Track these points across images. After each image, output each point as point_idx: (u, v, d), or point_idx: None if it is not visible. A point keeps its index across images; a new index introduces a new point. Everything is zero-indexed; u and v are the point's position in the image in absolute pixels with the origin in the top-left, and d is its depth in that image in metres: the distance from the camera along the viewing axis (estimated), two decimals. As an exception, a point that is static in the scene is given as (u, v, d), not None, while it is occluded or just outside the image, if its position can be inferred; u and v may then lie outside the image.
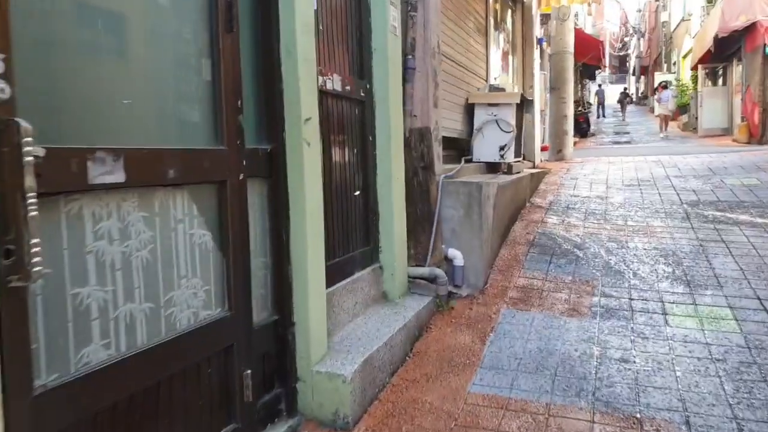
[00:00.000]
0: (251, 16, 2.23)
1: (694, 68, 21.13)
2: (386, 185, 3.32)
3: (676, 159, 9.69)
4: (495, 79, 7.83)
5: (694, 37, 21.76)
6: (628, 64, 59.84)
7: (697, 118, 20.35)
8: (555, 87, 10.73)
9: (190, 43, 1.91)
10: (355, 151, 3.14)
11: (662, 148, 14.72)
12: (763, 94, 15.16)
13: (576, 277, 4.24)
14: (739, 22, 15.47)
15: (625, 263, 4.58)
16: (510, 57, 9.00)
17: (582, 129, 21.55)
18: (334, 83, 2.83)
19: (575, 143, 18.11)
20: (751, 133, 15.64)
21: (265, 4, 2.26)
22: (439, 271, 3.68)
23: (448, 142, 5.66)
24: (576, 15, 25.76)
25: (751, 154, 9.84)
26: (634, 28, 52.43)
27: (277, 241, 2.30)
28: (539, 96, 9.70)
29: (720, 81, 20.40)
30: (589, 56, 18.12)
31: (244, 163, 2.05)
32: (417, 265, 3.72)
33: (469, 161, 5.93)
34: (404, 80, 4.13)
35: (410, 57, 4.15)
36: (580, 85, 34.71)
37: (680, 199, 6.62)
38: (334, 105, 2.87)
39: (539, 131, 9.65)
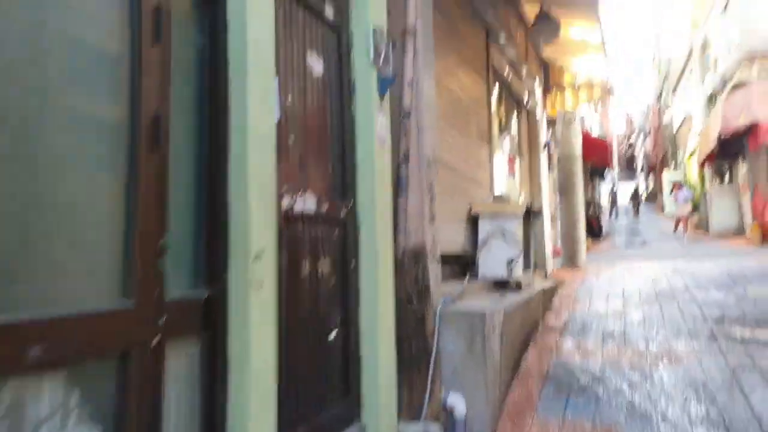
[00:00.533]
0: (193, 129, 1.84)
1: (701, 166, 21.01)
2: (371, 320, 2.82)
3: (693, 266, 9.16)
4: (501, 186, 7.49)
5: (698, 137, 21.81)
6: (635, 163, 60.61)
7: (707, 217, 19.98)
8: (564, 191, 10.41)
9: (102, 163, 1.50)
10: (333, 281, 2.66)
11: (677, 251, 14.21)
12: (774, 193, 14.80)
13: (597, 422, 3.61)
14: (741, 123, 15.41)
15: (651, 401, 3.95)
16: (516, 162, 8.72)
17: (595, 231, 21.16)
18: (306, 203, 2.41)
19: (588, 247, 17.66)
20: (764, 234, 15.15)
21: (213, 115, 1.88)
22: (435, 430, 3.07)
23: (451, 259, 5.21)
24: (582, 118, 26.14)
25: (772, 260, 9.31)
26: (639, 128, 53.48)
27: (210, 424, 1.77)
28: (548, 201, 9.35)
29: (727, 179, 20.20)
30: (597, 158, 18.07)
31: (164, 320, 1.57)
32: (411, 419, 3.12)
33: (475, 277, 5.45)
34: (396, 194, 3.73)
35: (403, 168, 3.77)
36: (590, 186, 34.82)
37: (703, 315, 6.03)
38: (305, 229, 2.42)
39: (550, 238, 9.22)
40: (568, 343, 5.31)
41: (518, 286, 5.42)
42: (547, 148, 9.29)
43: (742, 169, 18.17)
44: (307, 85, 2.52)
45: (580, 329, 5.79)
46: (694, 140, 23.21)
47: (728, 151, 18.13)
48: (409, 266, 3.56)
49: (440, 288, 3.92)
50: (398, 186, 3.72)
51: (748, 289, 6.96)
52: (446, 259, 5.05)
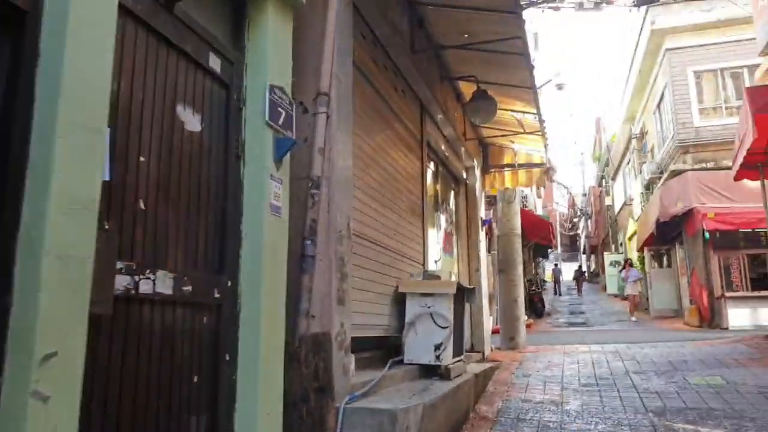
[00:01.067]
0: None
1: (640, 250, 21.41)
2: (249, 428, 2.31)
3: (634, 350, 8.91)
4: (436, 262, 7.16)
5: (637, 221, 22.33)
6: (578, 243, 62.03)
7: (648, 299, 20.18)
8: (503, 269, 10.18)
9: None
10: (196, 380, 2.17)
11: (618, 333, 14.07)
12: (708, 277, 15.03)
13: None
14: (678, 209, 15.79)
15: None
16: (454, 238, 8.46)
17: (537, 309, 21.06)
18: (158, 283, 1.96)
19: (530, 326, 17.40)
20: (702, 317, 15.28)
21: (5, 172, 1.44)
22: None
23: (372, 343, 4.75)
24: (525, 197, 26.60)
25: (707, 343, 9.16)
26: (581, 210, 55.06)
27: None
28: (486, 279, 9.07)
29: (665, 262, 20.58)
30: (539, 236, 18.15)
31: None
32: None
33: (400, 363, 4.98)
34: (301, 270, 3.32)
35: (309, 242, 3.36)
36: (533, 264, 35.17)
37: (644, 406, 5.68)
38: (155, 316, 1.96)
39: (488, 318, 8.87)
40: (499, 440, 4.84)
41: (447, 374, 4.98)
42: (486, 225, 9.08)
43: (680, 253, 18.54)
44: (175, 143, 2.12)
45: (513, 421, 5.33)
46: (633, 224, 23.79)
47: (666, 235, 18.54)
48: (308, 357, 3.09)
49: (350, 381, 3.45)
50: (302, 263, 3.31)
51: (690, 378, 6.69)
52: (367, 345, 4.60)
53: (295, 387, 2.90)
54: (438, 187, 7.50)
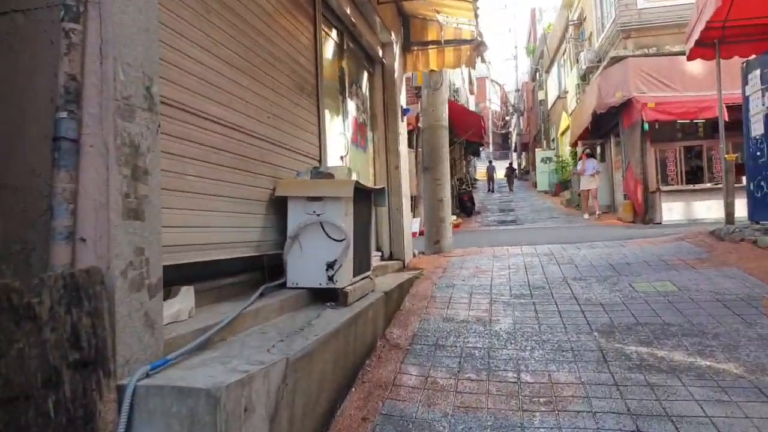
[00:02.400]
0: None
1: (573, 145, 20.75)
2: None
3: (570, 251, 8.07)
4: (342, 158, 5.83)
5: (571, 114, 21.54)
6: (510, 141, 61.92)
7: (579, 194, 19.73)
8: (428, 167, 8.98)
9: None
10: None
11: (551, 231, 13.41)
12: (643, 171, 14.44)
13: None
14: (616, 99, 14.93)
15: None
16: (368, 130, 7.10)
17: (467, 208, 20.38)
18: None
19: (458, 225, 16.63)
20: (636, 212, 14.84)
21: None
22: None
23: (239, 265, 3.46)
24: (456, 91, 25.25)
25: (649, 242, 8.43)
26: (513, 106, 54.40)
27: None
28: (408, 178, 7.84)
29: (599, 157, 20.03)
30: (470, 132, 17.03)
31: None
32: None
33: (283, 287, 3.74)
34: (55, 163, 1.92)
35: (64, 116, 1.96)
36: (464, 162, 34.50)
37: (588, 324, 4.75)
38: None
39: (409, 221, 7.73)
40: (411, 376, 3.76)
41: (344, 300, 3.78)
42: (407, 115, 7.75)
43: (614, 147, 17.92)
44: None
45: (432, 349, 4.28)
46: (567, 119, 23.01)
47: (602, 128, 17.79)
48: (56, 312, 1.75)
49: (159, 337, 2.17)
50: (55, 151, 1.91)
51: (636, 284, 5.82)
52: (228, 268, 3.31)
53: (29, 365, 1.59)
54: (344, 64, 6.03)
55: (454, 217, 16.96)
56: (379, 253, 7.22)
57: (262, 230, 3.65)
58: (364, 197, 4.43)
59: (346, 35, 6.06)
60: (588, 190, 17.04)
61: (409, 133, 13.85)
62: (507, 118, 64.37)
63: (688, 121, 14.56)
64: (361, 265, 4.30)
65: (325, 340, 2.96)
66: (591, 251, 7.94)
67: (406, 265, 7.38)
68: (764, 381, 3.52)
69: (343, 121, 5.95)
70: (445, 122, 9.08)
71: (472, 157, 41.25)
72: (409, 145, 11.94)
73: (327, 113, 5.15)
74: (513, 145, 56.94)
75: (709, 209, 13.66)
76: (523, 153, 48.70)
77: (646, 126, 13.78)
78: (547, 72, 30.59)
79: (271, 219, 3.77)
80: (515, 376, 3.78)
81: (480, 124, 16.08)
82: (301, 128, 4.41)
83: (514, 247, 8.97)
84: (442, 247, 8.84)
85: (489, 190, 35.06)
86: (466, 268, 7.32)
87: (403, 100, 7.87)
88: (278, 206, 3.82)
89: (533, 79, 39.92)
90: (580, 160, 17.67)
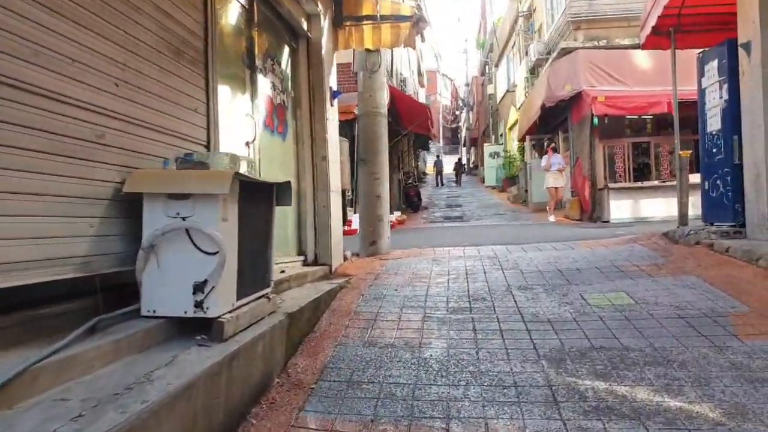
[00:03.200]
0: None
1: (521, 140, 20.28)
2: None
3: (516, 254, 7.34)
4: (248, 144, 4.88)
5: (519, 109, 21.08)
6: (459, 135, 61.71)
7: (527, 190, 19.27)
8: (364, 158, 8.10)
9: None
10: None
11: (496, 230, 12.76)
12: (592, 167, 13.96)
13: None
14: (565, 92, 14.41)
15: None
16: (288, 114, 6.17)
17: (413, 203, 19.64)
18: None
19: (402, 221, 15.84)
20: (583, 209, 14.37)
21: None
22: None
23: (71, 284, 2.49)
24: (404, 81, 24.44)
25: (600, 244, 7.80)
26: (462, 101, 54.12)
27: None
28: (337, 170, 6.95)
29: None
30: (416, 123, 16.23)
31: None
32: None
33: (138, 316, 2.78)
34: None
35: None
36: (414, 156, 33.84)
37: (535, 348, 3.98)
38: None
39: (338, 221, 6.84)
40: (307, 430, 2.88)
41: (219, 331, 2.86)
42: (333, 98, 6.84)
43: (562, 143, 17.48)
44: None
45: (342, 387, 3.41)
46: (515, 113, 22.55)
47: (550, 123, 17.30)
48: None
49: None
50: None
51: (588, 296, 5.10)
52: (57, 291, 2.34)
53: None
54: (255, 33, 5.07)
55: (399, 213, 16.18)
56: (301, 258, 6.31)
57: (100, 240, 2.68)
58: (261, 194, 3.50)
59: (262, 2, 5.11)
60: (555, 188, 15.04)
61: (351, 122, 12.95)
62: (457, 112, 64.20)
63: (636, 116, 14.16)
64: (255, 282, 3.38)
65: (167, 402, 2.04)
66: (538, 254, 7.23)
67: (333, 271, 6.49)
68: (747, 429, 2.80)
69: (252, 100, 5.00)
70: (384, 109, 8.21)
71: (421, 151, 40.70)
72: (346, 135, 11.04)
73: (223, 88, 4.19)
74: (462, 139, 56.72)
75: (657, 208, 13.27)
76: (472, 148, 48.45)
77: (596, 120, 13.27)
78: (497, 66, 30.13)
79: (118, 225, 2.81)
80: (444, 426, 2.95)
81: (427, 116, 15.27)
82: (178, 104, 3.44)
83: (456, 249, 8.20)
84: (378, 248, 7.99)
85: (437, 185, 34.70)
86: (401, 273, 6.49)
87: (333, 81, 6.95)
88: (132, 207, 2.85)
89: (483, 73, 39.54)
90: (545, 154, 15.62)
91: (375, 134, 8.08)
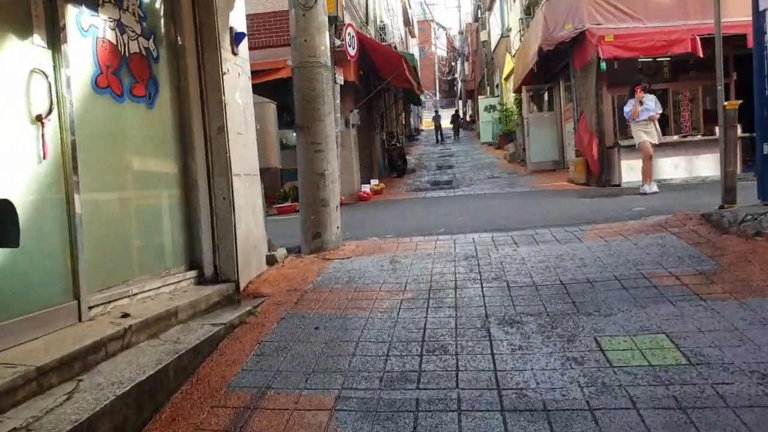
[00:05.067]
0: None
1: (518, 90, 18.10)
2: None
3: (505, 250, 5.42)
4: (42, 120, 2.89)
5: (515, 56, 18.81)
6: (456, 88, 58.99)
7: (524, 149, 17.22)
8: (302, 124, 6.09)
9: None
10: None
11: (487, 200, 10.79)
12: (599, 122, 11.87)
13: None
14: (566, 32, 12.25)
15: None
16: (156, 68, 4.15)
17: (397, 167, 17.64)
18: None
19: (380, 190, 13.86)
20: (590, 171, 12.36)
21: None
22: None
23: None
24: (383, 29, 22.05)
25: (616, 231, 5.87)
26: (456, 50, 51.30)
27: None
28: (250, 145, 4.97)
29: (546, 105, 17.46)
30: (393, 75, 14.05)
31: None
32: None
33: None
34: None
35: None
36: (403, 113, 31.60)
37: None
38: None
39: (251, 214, 4.89)
40: None
41: None
42: (235, 43, 4.81)
43: (564, 93, 15.35)
44: None
45: None
46: (511, 61, 20.28)
47: (549, 70, 15.13)
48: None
49: None
50: None
51: (606, 339, 3.21)
52: None
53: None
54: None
55: (376, 182, 14.21)
56: (194, 274, 4.40)
57: None
58: None
59: None
60: (645, 145, 9.78)
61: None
62: (453, 63, 61.36)
63: (651, 59, 12.01)
64: None
65: None
66: (533, 250, 5.30)
67: (242, 289, 4.58)
68: None
69: (52, 47, 3.01)
70: (325, 59, 6.17)
71: (413, 107, 38.39)
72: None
73: None
74: (458, 92, 54.14)
75: (675, 167, 11.29)
76: (469, 101, 45.98)
77: (603, 65, 11.15)
78: (490, 9, 27.53)
79: None
80: None
81: (402, 66, 13.08)
82: None
83: (428, 239, 6.27)
84: (324, 242, 6.07)
85: (438, 141, 33.01)
86: (338, 290, 4.60)
87: (238, 20, 4.90)
88: None
89: (476, 18, 36.81)
90: (630, 98, 9.96)
91: (314, 92, 6.05)
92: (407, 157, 21.87)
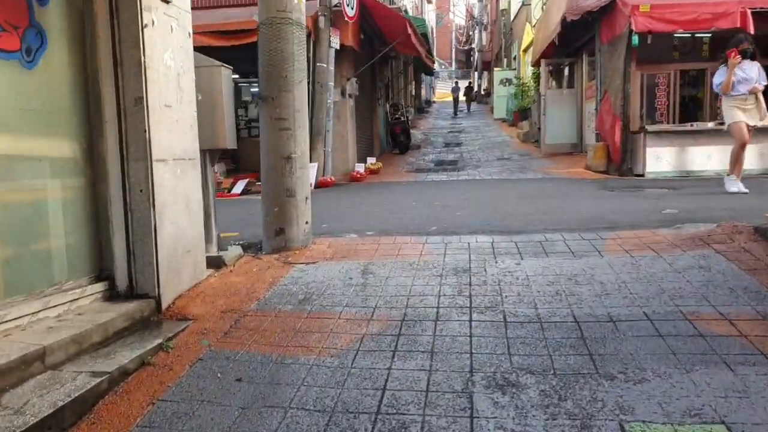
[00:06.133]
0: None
1: (536, 64, 16.79)
2: None
3: (505, 264, 4.38)
4: None
5: (535, 26, 17.44)
6: (472, 58, 57.16)
7: (539, 128, 16.00)
8: (266, 95, 4.99)
9: None
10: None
11: (493, 187, 9.69)
12: (624, 103, 10.65)
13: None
14: (593, 1, 10.98)
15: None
16: (47, 18, 3.07)
17: (400, 143, 16.50)
18: None
19: (377, 169, 12.74)
20: (611, 157, 11.19)
21: None
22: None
23: None
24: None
25: (645, 243, 4.80)
26: (474, 18, 49.42)
27: None
28: (180, 122, 3.90)
29: (566, 81, 16.17)
30: (398, 41, 12.81)
31: None
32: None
33: None
34: None
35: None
36: (413, 83, 30.19)
37: None
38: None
39: (182, 213, 3.85)
40: None
41: None
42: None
43: (586, 69, 14.07)
44: None
45: None
46: (531, 32, 18.89)
47: (572, 42, 13.81)
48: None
49: None
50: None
51: (639, 429, 2.17)
52: None
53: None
54: None
55: (373, 160, 13.11)
56: (103, 285, 3.40)
57: None
58: None
59: None
60: (740, 126, 7.48)
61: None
62: (471, 33, 59.38)
63: (689, 34, 10.72)
64: None
65: None
66: (541, 265, 4.24)
67: (164, 308, 3.56)
68: None
69: None
70: (298, 15, 5.05)
71: (425, 77, 36.91)
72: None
73: None
74: (474, 63, 52.39)
75: (709, 158, 10.10)
76: (485, 72, 44.33)
77: (636, 39, 9.89)
78: (511, -25, 25.96)
79: None
80: None
81: (405, 31, 11.81)
82: None
83: (415, 242, 5.23)
84: (288, 240, 5.04)
85: (455, 114, 31.89)
86: (287, 315, 3.58)
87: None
88: None
89: (497, -14, 35.04)
90: (722, 63, 7.70)
91: (282, 54, 4.95)
92: (414, 131, 20.69)
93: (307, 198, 5.16)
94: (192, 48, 4.02)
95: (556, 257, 4.43)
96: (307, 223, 5.16)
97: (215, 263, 4.41)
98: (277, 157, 5.00)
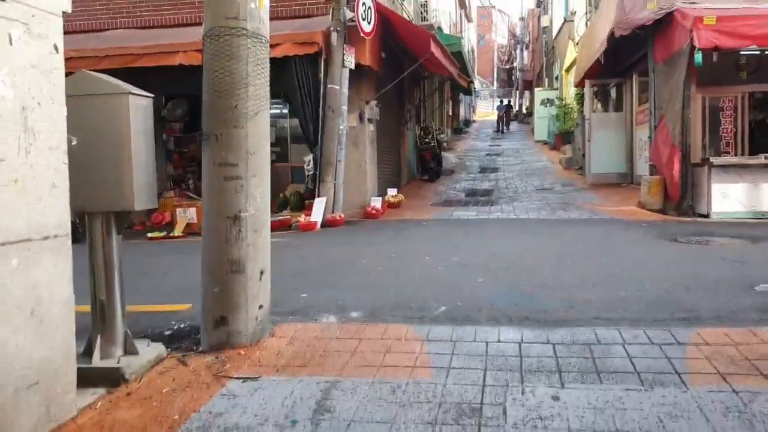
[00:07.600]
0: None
1: (579, 84, 15.19)
2: None
3: (538, 394, 2.91)
4: None
5: (578, 43, 15.85)
6: (513, 77, 55.54)
7: (584, 154, 14.36)
8: (209, 133, 3.63)
9: None
10: None
11: (528, 234, 8.13)
12: (683, 131, 9.00)
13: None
14: (647, 13, 9.44)
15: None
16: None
17: (430, 170, 15.11)
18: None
19: (396, 204, 11.23)
20: (668, 194, 9.52)
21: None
22: None
23: None
24: (424, 5, 19.37)
25: (758, 371, 3.27)
26: (516, 38, 47.87)
27: None
28: (28, 176, 2.55)
29: (613, 104, 14.52)
30: (423, 59, 11.39)
31: None
32: None
33: None
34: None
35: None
36: (450, 103, 28.77)
37: None
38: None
39: (29, 319, 2.47)
40: None
41: None
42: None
43: (637, 90, 12.44)
44: None
45: None
46: (574, 50, 17.31)
47: (620, 62, 12.20)
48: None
49: None
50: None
51: None
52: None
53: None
54: None
55: (395, 192, 11.68)
56: None
57: None
58: None
59: None
60: None
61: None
62: (513, 52, 57.81)
63: (760, 50, 9.05)
64: None
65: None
66: (592, 407, 2.72)
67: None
68: None
69: None
70: (256, 24, 3.69)
71: (463, 96, 35.51)
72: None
73: None
74: (516, 82, 50.75)
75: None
76: (526, 92, 42.67)
77: (699, 57, 8.27)
78: (554, -9, 24.39)
79: None
80: None
81: (428, 46, 10.33)
82: None
83: (410, 338, 3.79)
84: (232, 333, 3.64)
85: (499, 131, 31.62)
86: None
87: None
88: None
89: (538, 3, 33.48)
90: None
91: (231, 78, 3.60)
92: (449, 154, 19.27)
93: (262, 272, 3.76)
94: (63, 68, 2.68)
95: (615, 386, 2.91)
96: (261, 307, 3.75)
97: (110, 378, 3.05)
98: (219, 217, 3.62)
